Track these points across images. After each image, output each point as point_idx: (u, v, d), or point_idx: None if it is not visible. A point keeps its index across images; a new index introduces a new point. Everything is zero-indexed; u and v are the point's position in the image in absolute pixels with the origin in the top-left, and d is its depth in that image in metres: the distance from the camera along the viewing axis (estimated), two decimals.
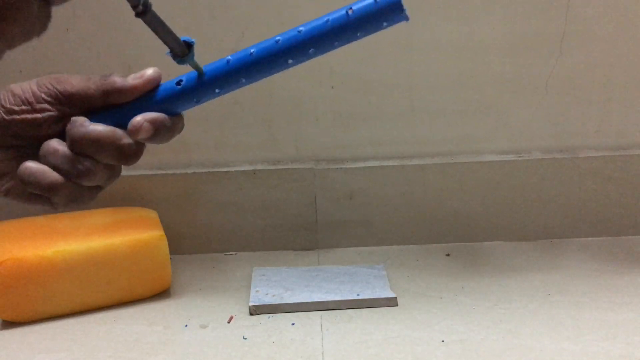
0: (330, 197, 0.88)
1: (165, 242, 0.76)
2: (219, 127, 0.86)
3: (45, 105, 0.38)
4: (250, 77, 0.37)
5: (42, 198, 0.39)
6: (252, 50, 0.36)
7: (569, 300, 0.74)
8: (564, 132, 0.88)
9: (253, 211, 0.88)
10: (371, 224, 0.89)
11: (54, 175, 0.37)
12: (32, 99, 0.38)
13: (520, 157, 0.88)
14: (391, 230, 0.90)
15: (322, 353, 0.66)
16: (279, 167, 0.87)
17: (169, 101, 0.38)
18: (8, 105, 0.37)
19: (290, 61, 0.36)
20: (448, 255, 0.87)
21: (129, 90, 0.38)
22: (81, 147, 0.37)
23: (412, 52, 0.84)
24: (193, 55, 0.37)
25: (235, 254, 0.90)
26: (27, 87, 0.38)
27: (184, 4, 0.80)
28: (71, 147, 0.37)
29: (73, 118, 0.38)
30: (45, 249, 0.71)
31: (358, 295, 0.75)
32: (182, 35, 0.37)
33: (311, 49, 0.35)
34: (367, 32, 0.35)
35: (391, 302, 0.74)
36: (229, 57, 0.37)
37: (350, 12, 0.34)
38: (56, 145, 0.38)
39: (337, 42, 0.36)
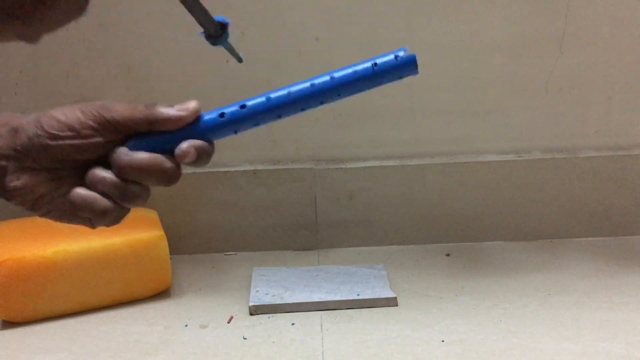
0: (330, 197, 0.88)
1: (165, 242, 0.76)
2: None
3: (91, 132, 0.39)
4: (285, 114, 0.41)
5: (87, 220, 0.42)
6: (290, 90, 0.41)
7: (569, 300, 0.74)
8: (564, 132, 0.88)
9: (253, 211, 0.88)
10: (371, 224, 0.89)
11: (104, 202, 0.40)
12: (78, 126, 0.39)
13: (520, 157, 0.88)
14: (391, 230, 0.90)
15: (322, 353, 0.66)
16: (279, 167, 0.87)
17: (211, 131, 0.41)
18: (52, 131, 0.38)
19: (321, 102, 0.41)
20: (448, 255, 0.87)
21: (174, 121, 0.40)
22: (128, 174, 0.39)
23: (412, 52, 0.84)
24: (227, 36, 0.39)
25: (235, 254, 0.90)
26: (71, 114, 0.39)
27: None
28: (118, 174, 0.39)
29: (117, 148, 0.40)
30: (45, 249, 0.71)
31: (358, 295, 0.75)
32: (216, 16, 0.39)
33: (340, 94, 0.41)
34: (386, 82, 0.41)
35: (391, 302, 0.74)
36: (270, 95, 0.41)
37: (375, 66, 0.40)
38: (103, 173, 0.40)
39: (360, 89, 0.41)
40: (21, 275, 0.70)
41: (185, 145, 0.40)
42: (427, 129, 0.87)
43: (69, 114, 0.39)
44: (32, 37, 0.27)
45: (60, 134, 0.38)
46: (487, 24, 0.83)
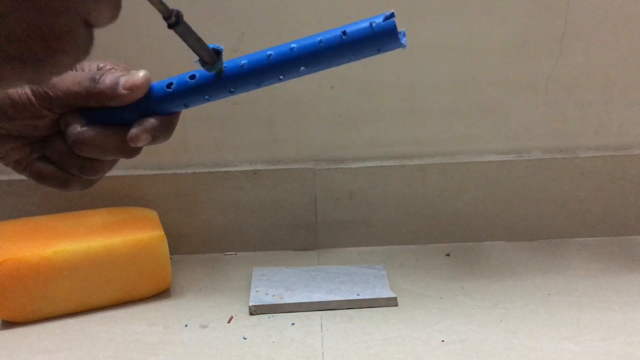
0: (330, 197, 0.88)
1: (165, 242, 0.76)
2: (219, 127, 0.86)
3: (43, 110, 0.39)
4: (239, 88, 0.38)
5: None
6: (243, 62, 0.37)
7: (569, 300, 0.74)
8: (564, 132, 0.88)
9: (253, 211, 0.88)
10: (371, 224, 0.89)
11: (62, 175, 0.40)
12: (29, 106, 0.38)
13: (520, 157, 0.88)
14: (391, 230, 0.90)
15: (322, 353, 0.66)
16: (279, 167, 0.87)
17: (162, 103, 0.39)
18: (10, 111, 0.38)
19: (281, 77, 0.36)
20: (448, 255, 0.87)
21: (120, 99, 0.39)
22: (81, 151, 0.39)
23: (412, 52, 0.84)
24: (222, 63, 0.37)
25: (235, 254, 0.90)
26: (22, 93, 0.38)
27: (184, 4, 0.80)
28: (71, 149, 0.39)
29: (69, 123, 0.39)
30: (45, 249, 0.71)
31: (358, 295, 0.75)
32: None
33: (302, 67, 0.35)
34: (361, 56, 0.35)
35: (391, 302, 0.74)
36: (225, 64, 0.37)
37: (344, 35, 0.34)
38: (60, 146, 0.39)
39: (328, 63, 0.35)
40: (21, 275, 0.70)
41: (134, 131, 0.38)
42: (427, 129, 0.87)
43: (20, 93, 0.38)
44: (41, 81, 0.27)
45: (16, 114, 0.38)
46: (487, 24, 0.83)
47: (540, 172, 0.87)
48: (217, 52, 0.37)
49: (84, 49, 0.27)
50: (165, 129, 0.39)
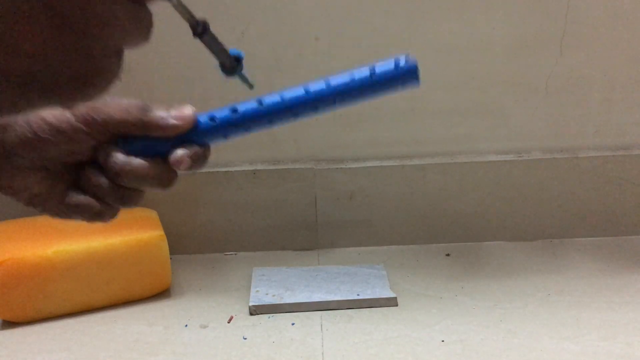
0: (330, 197, 0.88)
1: (165, 242, 0.76)
2: None
3: (81, 135, 0.38)
4: (278, 121, 0.40)
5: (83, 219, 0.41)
6: (284, 96, 0.39)
7: (569, 300, 0.74)
8: (564, 132, 0.88)
9: (253, 211, 0.88)
10: (371, 224, 0.89)
11: (99, 207, 0.40)
12: (68, 129, 0.37)
13: (520, 157, 0.88)
14: (391, 230, 0.90)
15: (322, 353, 0.66)
16: (279, 167, 0.87)
17: (203, 135, 0.40)
18: (41, 134, 0.37)
19: (315, 110, 0.39)
20: (448, 255, 0.87)
21: (169, 129, 0.39)
22: (124, 180, 0.39)
23: (412, 52, 0.84)
24: (242, 68, 0.38)
25: (235, 254, 0.90)
26: (61, 116, 0.37)
27: (185, 4, 0.80)
28: (114, 179, 0.39)
29: (111, 152, 0.38)
30: (45, 249, 0.71)
31: (358, 295, 0.75)
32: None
33: (335, 101, 0.38)
34: (384, 93, 0.38)
35: (391, 302, 0.74)
36: (261, 99, 0.39)
37: (373, 74, 0.37)
38: (98, 177, 0.39)
39: (357, 98, 0.38)
40: (21, 275, 0.70)
41: (180, 153, 0.39)
42: (427, 129, 0.87)
43: (58, 115, 0.37)
44: (68, 107, 0.27)
45: (50, 137, 0.37)
46: (487, 24, 0.83)
47: (540, 172, 0.87)
48: (238, 59, 0.38)
49: (114, 77, 0.27)
50: (203, 158, 0.40)
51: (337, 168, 0.87)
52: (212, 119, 0.40)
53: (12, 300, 0.71)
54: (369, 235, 0.90)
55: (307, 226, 0.89)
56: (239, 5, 0.81)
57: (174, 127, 0.39)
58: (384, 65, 0.37)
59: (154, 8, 0.28)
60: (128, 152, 0.39)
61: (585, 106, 0.86)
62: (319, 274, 0.81)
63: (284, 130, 0.87)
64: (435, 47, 0.84)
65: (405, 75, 0.37)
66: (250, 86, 0.41)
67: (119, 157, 0.38)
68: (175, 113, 0.39)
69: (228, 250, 0.90)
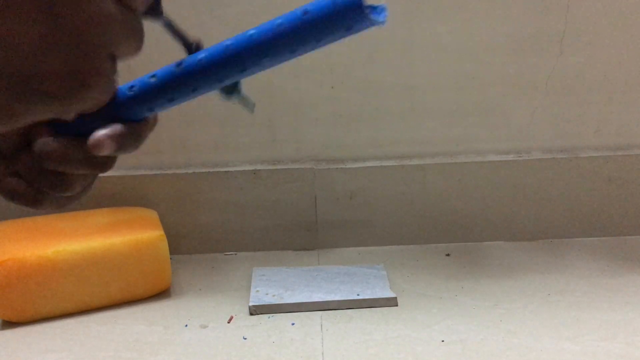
0: (330, 197, 0.88)
1: (165, 242, 0.76)
2: (219, 127, 0.86)
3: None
4: (202, 86, 0.34)
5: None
6: (201, 56, 0.33)
7: (569, 300, 0.74)
8: (564, 132, 0.88)
9: (253, 211, 0.88)
10: (371, 224, 0.89)
11: (33, 192, 0.36)
12: None
13: (520, 157, 0.88)
14: (391, 230, 0.90)
15: (322, 353, 0.66)
16: (279, 167, 0.87)
17: (126, 108, 0.34)
18: None
19: (243, 70, 0.33)
20: (448, 255, 0.87)
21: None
22: (46, 162, 0.35)
23: (412, 52, 0.84)
24: (240, 90, 0.35)
25: (235, 254, 0.90)
26: None
27: (184, 3, 0.80)
28: (39, 162, 0.35)
29: (36, 133, 0.35)
30: (45, 249, 0.71)
31: (358, 295, 0.75)
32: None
33: (267, 55, 0.31)
34: (329, 39, 0.31)
35: (391, 302, 0.74)
36: (182, 60, 0.34)
37: (305, 14, 0.30)
38: (29, 160, 0.36)
39: (292, 48, 0.31)
40: (21, 275, 0.70)
41: (99, 134, 0.33)
42: (427, 129, 0.87)
43: None
44: (67, 115, 0.27)
45: None
46: (487, 24, 0.83)
47: (540, 172, 0.87)
48: (236, 82, 0.35)
49: (110, 83, 0.27)
50: (132, 137, 0.35)
51: (337, 168, 0.87)
52: (130, 88, 0.34)
53: (12, 300, 0.71)
54: (369, 235, 0.90)
55: (307, 226, 0.89)
56: (239, 5, 0.81)
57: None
58: (318, 2, 0.29)
59: (146, 22, 0.28)
60: (56, 133, 0.35)
61: (585, 106, 0.86)
62: (319, 274, 0.81)
63: (284, 130, 0.87)
64: (435, 47, 0.84)
65: (348, 10, 0.28)
66: (252, 109, 0.37)
67: (41, 140, 0.35)
68: None
69: (228, 250, 0.90)
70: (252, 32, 0.31)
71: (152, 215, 0.81)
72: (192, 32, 0.35)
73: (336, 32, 0.30)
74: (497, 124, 0.87)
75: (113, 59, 0.27)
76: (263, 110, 0.86)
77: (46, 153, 0.34)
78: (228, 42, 0.32)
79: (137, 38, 0.28)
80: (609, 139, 0.88)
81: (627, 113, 0.87)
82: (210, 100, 0.85)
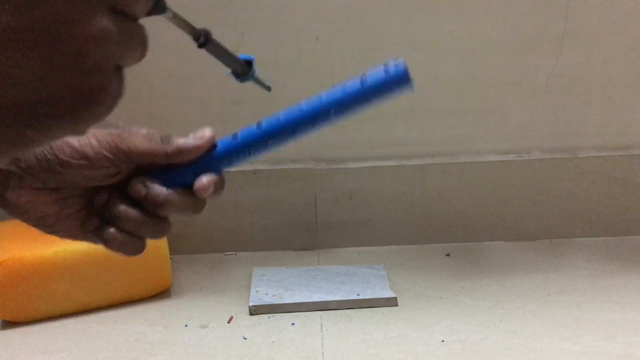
0: (330, 197, 0.88)
1: (165, 242, 0.76)
2: (219, 127, 0.86)
3: (104, 163, 0.38)
4: (278, 143, 0.41)
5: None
6: (281, 118, 0.40)
7: (569, 300, 0.74)
8: (564, 132, 0.88)
9: (253, 211, 0.88)
10: (371, 224, 0.89)
11: (137, 241, 0.42)
12: (91, 154, 0.38)
13: (520, 157, 0.88)
14: (391, 230, 0.90)
15: (322, 353, 0.66)
16: (279, 167, 0.87)
17: (225, 158, 0.41)
18: (64, 158, 0.37)
19: (314, 128, 0.41)
20: (448, 255, 0.87)
21: (191, 151, 0.40)
22: (165, 211, 0.40)
23: (412, 52, 0.84)
24: (254, 72, 0.39)
25: (235, 254, 0.90)
26: (85, 141, 0.38)
27: (184, 3, 0.80)
28: (149, 208, 0.40)
29: (149, 184, 0.39)
30: (45, 249, 0.71)
31: (358, 295, 0.75)
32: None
33: (331, 117, 0.40)
34: (379, 100, 0.39)
35: (391, 302, 0.74)
36: (260, 122, 0.41)
37: (363, 82, 0.39)
38: (128, 210, 0.40)
39: (353, 110, 0.40)
40: (21, 275, 0.70)
41: (205, 180, 0.40)
42: (427, 129, 0.87)
43: (82, 140, 0.38)
44: (81, 132, 0.28)
45: (72, 161, 0.37)
46: (487, 24, 0.83)
47: (540, 172, 0.87)
48: (249, 62, 0.39)
49: (117, 96, 0.28)
50: (223, 184, 0.42)
51: (337, 168, 0.87)
52: (234, 136, 0.41)
53: (12, 300, 0.71)
54: (369, 235, 0.90)
55: (307, 226, 0.89)
56: (239, 5, 0.81)
57: (195, 148, 0.40)
58: (374, 74, 0.38)
59: (148, 22, 0.28)
60: (158, 183, 0.40)
61: (585, 106, 0.86)
62: (319, 274, 0.81)
63: None
64: (435, 47, 0.84)
65: (397, 81, 0.38)
66: (268, 88, 0.42)
67: (160, 189, 0.39)
68: (195, 135, 0.40)
69: (228, 250, 0.90)
70: (322, 97, 0.40)
71: None
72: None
73: (387, 96, 0.39)
74: (497, 124, 0.87)
75: (118, 69, 0.28)
76: (263, 110, 0.86)
77: (170, 203, 0.39)
78: (303, 106, 0.40)
79: (140, 45, 0.28)
80: (609, 139, 0.88)
81: (627, 113, 0.87)
82: (210, 100, 0.85)
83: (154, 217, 0.40)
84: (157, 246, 0.76)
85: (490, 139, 0.88)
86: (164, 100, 0.84)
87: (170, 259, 0.78)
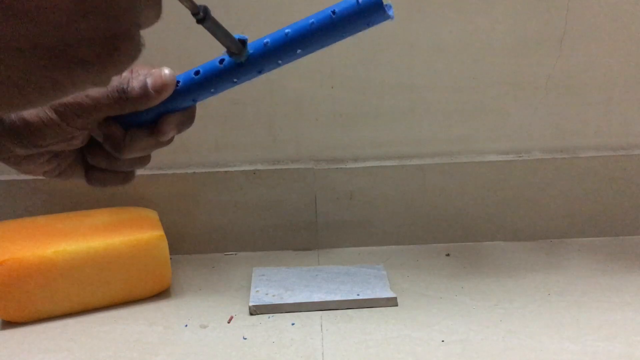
0: (330, 197, 0.88)
1: (165, 242, 0.76)
2: (219, 127, 0.86)
3: (74, 131, 0.39)
4: (243, 78, 0.39)
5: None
6: (266, 41, 0.38)
7: (569, 300, 0.74)
8: (564, 132, 0.88)
9: (253, 211, 0.88)
10: (371, 224, 0.89)
11: (119, 176, 0.43)
12: (59, 131, 0.39)
13: (520, 157, 0.88)
14: (391, 230, 0.90)
15: (322, 353, 0.66)
16: (279, 167, 0.87)
17: (188, 96, 0.40)
18: (37, 141, 0.38)
19: (279, 62, 0.38)
20: (448, 255, 0.87)
21: (149, 101, 0.40)
22: (130, 154, 0.41)
23: (412, 52, 0.84)
24: (248, 51, 0.39)
25: (235, 254, 0.90)
26: (47, 118, 0.38)
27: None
28: (113, 149, 0.41)
29: (109, 133, 0.40)
30: (45, 249, 0.71)
31: (358, 295, 0.75)
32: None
33: (298, 50, 0.37)
34: (352, 32, 0.36)
35: (391, 302, 0.74)
36: (223, 57, 0.39)
37: (333, 13, 0.36)
38: (105, 155, 0.42)
39: (322, 43, 0.37)
40: (21, 275, 0.70)
41: (165, 124, 0.40)
42: (427, 129, 0.87)
43: (42, 117, 0.38)
44: (103, 83, 0.29)
45: (42, 141, 0.38)
46: (487, 24, 0.83)
47: (540, 172, 0.87)
48: (243, 42, 0.38)
49: (138, 49, 0.29)
50: (188, 119, 0.42)
51: (337, 168, 0.87)
52: (196, 73, 0.40)
53: (12, 300, 0.71)
54: (369, 235, 0.90)
55: (307, 226, 0.89)
56: (239, 5, 0.81)
57: (153, 98, 0.39)
58: (344, 3, 0.35)
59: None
60: (123, 127, 0.40)
61: (585, 106, 0.86)
62: (319, 274, 0.81)
63: (284, 130, 0.87)
64: (435, 47, 0.84)
65: (370, 10, 0.35)
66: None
67: (118, 131, 0.40)
68: (153, 83, 0.39)
69: (228, 250, 0.90)
70: (287, 30, 0.37)
71: (152, 215, 0.81)
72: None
73: (359, 27, 0.36)
74: (497, 124, 0.87)
75: (138, 26, 0.28)
76: (263, 110, 0.86)
77: (130, 148, 0.40)
78: (266, 40, 0.37)
79: (157, 7, 0.29)
80: (609, 139, 0.88)
81: (627, 113, 0.87)
82: (210, 101, 0.85)
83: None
84: (157, 246, 0.76)
85: (490, 139, 0.88)
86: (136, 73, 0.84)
87: (170, 259, 0.78)
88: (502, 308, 0.73)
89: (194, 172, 0.86)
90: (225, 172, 0.87)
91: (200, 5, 0.35)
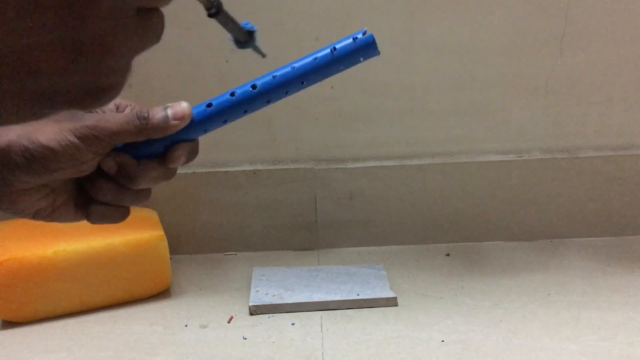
0: (330, 197, 0.88)
1: (165, 242, 0.76)
2: (218, 127, 0.86)
3: (87, 155, 0.39)
4: (252, 109, 0.43)
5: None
6: (256, 83, 0.42)
7: (569, 300, 0.74)
8: (564, 132, 0.88)
9: (253, 211, 0.88)
10: (371, 224, 0.89)
11: (119, 211, 0.44)
12: (75, 153, 0.39)
13: (520, 157, 0.88)
14: (391, 230, 0.90)
15: (322, 353, 0.66)
16: (279, 167, 0.87)
17: (199, 127, 0.42)
18: (48, 163, 0.38)
19: (286, 92, 0.42)
20: (448, 255, 0.87)
21: (169, 130, 0.41)
22: (138, 185, 0.42)
23: (412, 52, 0.84)
24: (254, 41, 0.41)
25: (235, 254, 0.90)
26: (64, 140, 0.38)
27: (183, 4, 0.80)
28: (124, 181, 0.41)
29: (120, 162, 0.41)
30: (45, 249, 0.71)
31: (358, 295, 0.75)
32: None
33: (303, 82, 0.42)
34: (349, 65, 0.42)
35: (391, 302, 0.74)
36: (234, 91, 0.42)
37: (334, 50, 0.42)
38: (109, 186, 0.42)
39: (323, 75, 0.42)
40: (21, 275, 0.70)
41: (177, 152, 0.42)
42: (427, 129, 0.87)
43: (61, 140, 0.38)
44: (86, 110, 0.30)
45: (55, 165, 0.38)
46: (487, 24, 0.83)
47: (540, 172, 0.87)
48: (251, 32, 0.41)
49: (124, 84, 0.29)
50: (195, 151, 0.43)
51: (337, 168, 0.87)
52: (209, 105, 0.42)
53: (12, 300, 0.71)
54: (369, 235, 0.90)
55: (307, 226, 0.89)
56: (239, 5, 0.81)
57: (174, 127, 0.41)
58: (343, 42, 0.42)
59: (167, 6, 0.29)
60: (134, 157, 0.41)
61: (585, 106, 0.86)
62: (319, 274, 0.81)
63: (284, 130, 0.87)
64: (435, 47, 0.84)
65: (364, 47, 0.42)
66: (263, 55, 0.43)
67: (130, 162, 0.41)
68: (174, 113, 0.41)
69: (228, 250, 0.90)
70: (294, 64, 0.42)
71: (152, 215, 0.81)
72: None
73: (354, 61, 0.42)
74: (497, 124, 0.87)
75: (129, 64, 0.29)
76: (263, 110, 0.86)
77: (141, 177, 0.41)
78: (275, 73, 0.42)
79: (156, 34, 0.29)
80: (609, 139, 0.88)
81: (627, 113, 0.87)
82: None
83: (131, 188, 0.42)
84: (157, 246, 0.76)
85: (490, 139, 0.88)
86: (164, 101, 0.84)
87: (170, 259, 0.78)
88: (502, 308, 0.73)
89: (194, 172, 0.86)
90: (225, 172, 0.87)
91: (213, 1, 0.36)
